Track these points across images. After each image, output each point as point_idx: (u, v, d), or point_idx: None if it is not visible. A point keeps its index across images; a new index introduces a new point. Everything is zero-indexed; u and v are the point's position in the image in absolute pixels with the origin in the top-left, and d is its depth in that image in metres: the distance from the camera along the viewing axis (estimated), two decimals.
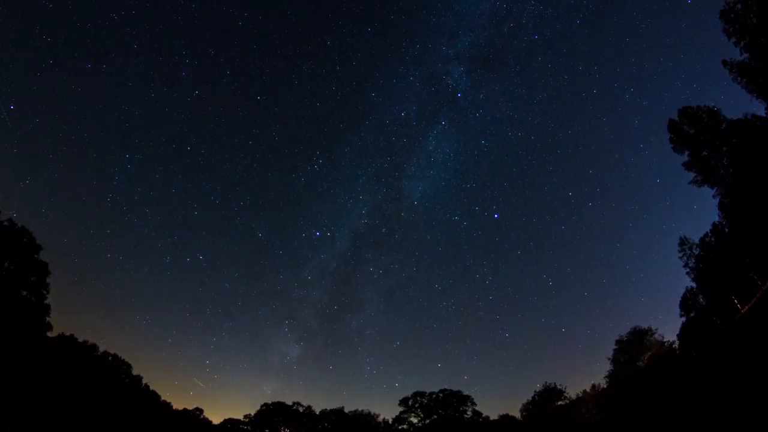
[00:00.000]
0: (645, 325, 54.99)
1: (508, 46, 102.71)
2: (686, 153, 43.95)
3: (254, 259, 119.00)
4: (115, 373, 62.77)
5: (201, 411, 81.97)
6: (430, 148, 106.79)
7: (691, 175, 44.02)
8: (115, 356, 64.46)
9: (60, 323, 57.68)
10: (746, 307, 39.99)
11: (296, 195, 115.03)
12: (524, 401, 72.54)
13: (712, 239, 44.85)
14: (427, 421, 79.43)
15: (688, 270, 47.72)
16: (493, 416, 78.55)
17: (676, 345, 50.75)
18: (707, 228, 45.55)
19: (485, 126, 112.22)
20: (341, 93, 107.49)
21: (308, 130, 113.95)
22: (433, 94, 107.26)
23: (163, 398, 71.73)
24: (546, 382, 70.54)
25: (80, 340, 59.13)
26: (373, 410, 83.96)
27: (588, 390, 62.59)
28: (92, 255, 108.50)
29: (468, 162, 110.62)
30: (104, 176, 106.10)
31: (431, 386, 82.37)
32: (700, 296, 48.14)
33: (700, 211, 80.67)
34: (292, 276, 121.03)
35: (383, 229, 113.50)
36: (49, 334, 49.68)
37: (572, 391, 67.91)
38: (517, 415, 73.71)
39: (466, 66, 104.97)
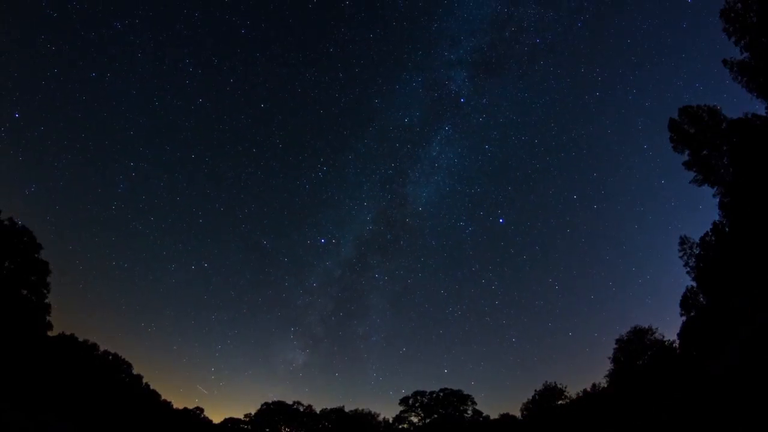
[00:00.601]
0: (646, 325, 55.08)
1: (510, 51, 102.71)
2: (686, 152, 43.89)
3: (259, 266, 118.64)
4: (116, 372, 62.91)
5: (201, 410, 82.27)
6: (434, 153, 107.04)
7: (692, 174, 44.08)
8: (115, 355, 64.67)
9: (64, 329, 57.63)
10: (746, 305, 39.94)
11: (301, 202, 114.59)
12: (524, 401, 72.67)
13: (713, 238, 44.76)
14: (428, 420, 79.49)
15: (688, 269, 47.67)
16: (495, 417, 78.75)
17: (676, 344, 50.74)
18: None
19: (488, 130, 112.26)
20: (344, 100, 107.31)
21: (312, 137, 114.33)
22: (436, 100, 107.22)
23: (163, 398, 72.04)
24: (546, 382, 70.63)
25: (80, 339, 59.41)
26: (374, 410, 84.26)
27: (588, 389, 62.66)
28: (97, 262, 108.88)
29: (472, 167, 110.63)
30: (109, 184, 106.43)
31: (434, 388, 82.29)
32: (701, 295, 48.08)
33: (705, 211, 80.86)
34: (298, 283, 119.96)
35: (388, 236, 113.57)
36: (49, 333, 49.84)
37: (572, 391, 68.09)
38: (518, 414, 73.90)
39: (468, 71, 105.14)
